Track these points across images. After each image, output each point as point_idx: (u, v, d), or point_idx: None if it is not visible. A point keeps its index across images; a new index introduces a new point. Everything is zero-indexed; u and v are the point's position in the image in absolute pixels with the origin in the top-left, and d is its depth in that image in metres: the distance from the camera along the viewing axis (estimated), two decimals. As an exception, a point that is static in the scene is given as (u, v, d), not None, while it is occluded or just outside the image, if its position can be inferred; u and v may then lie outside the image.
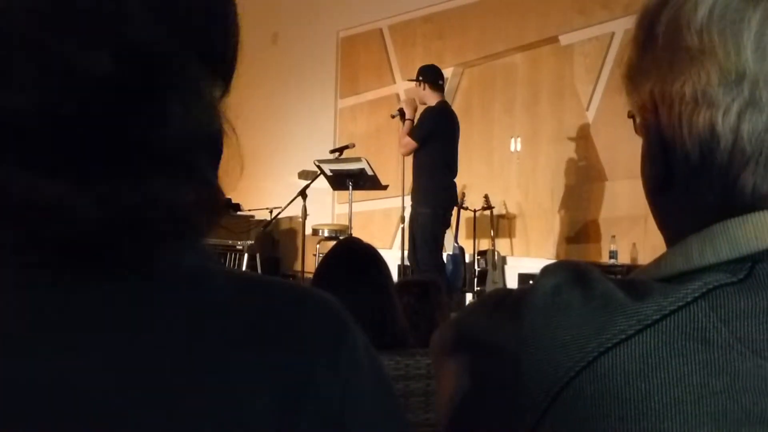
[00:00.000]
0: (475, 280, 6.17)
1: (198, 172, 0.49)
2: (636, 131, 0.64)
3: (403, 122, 5.34)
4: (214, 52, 0.55)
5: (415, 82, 5.40)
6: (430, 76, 5.41)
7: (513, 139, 6.58)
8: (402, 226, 5.46)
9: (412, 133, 5.27)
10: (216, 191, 0.52)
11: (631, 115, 0.64)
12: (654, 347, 0.49)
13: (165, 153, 0.48)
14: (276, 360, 0.49)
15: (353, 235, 5.69)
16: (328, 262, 1.90)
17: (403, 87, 7.13)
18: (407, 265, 5.43)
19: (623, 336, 0.49)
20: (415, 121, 5.36)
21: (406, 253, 5.41)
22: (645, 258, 5.25)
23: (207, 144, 0.51)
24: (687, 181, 0.58)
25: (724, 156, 0.54)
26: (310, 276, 5.81)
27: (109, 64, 0.46)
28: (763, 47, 0.53)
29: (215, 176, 0.54)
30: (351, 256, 1.88)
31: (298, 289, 0.54)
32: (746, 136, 0.53)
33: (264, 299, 0.52)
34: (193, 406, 0.46)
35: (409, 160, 5.35)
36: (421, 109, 5.39)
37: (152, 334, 0.48)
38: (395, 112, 5.40)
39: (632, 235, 5.48)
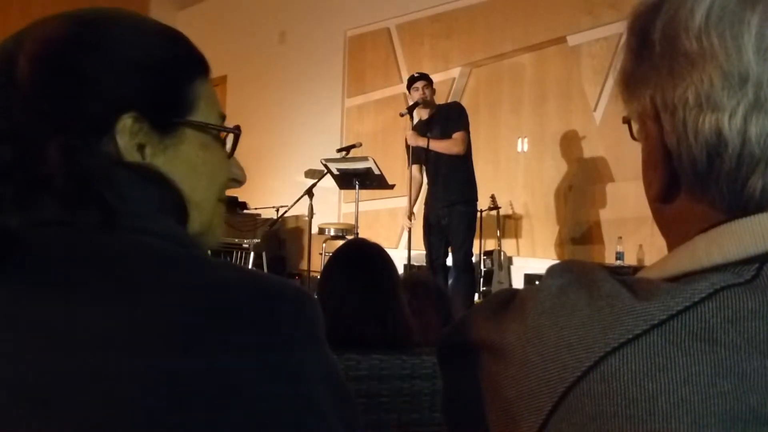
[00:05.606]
0: (481, 280, 6.16)
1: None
2: (633, 137, 0.64)
3: (412, 120, 5.31)
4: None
5: (423, 83, 5.37)
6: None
7: (520, 140, 6.57)
8: (409, 226, 5.43)
9: (460, 129, 5.19)
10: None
11: (626, 121, 0.64)
12: (661, 347, 0.49)
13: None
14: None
15: (359, 234, 5.69)
16: (334, 261, 1.90)
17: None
18: (413, 265, 5.41)
19: (630, 336, 0.49)
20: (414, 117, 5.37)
21: (412, 253, 5.39)
22: (651, 259, 5.22)
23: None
24: (693, 186, 0.57)
25: (733, 160, 0.54)
26: (316, 275, 5.82)
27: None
28: (765, 48, 0.53)
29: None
30: (357, 255, 1.88)
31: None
32: (754, 138, 0.53)
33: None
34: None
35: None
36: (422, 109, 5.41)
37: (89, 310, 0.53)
38: (404, 111, 5.39)
39: (639, 236, 5.46)
